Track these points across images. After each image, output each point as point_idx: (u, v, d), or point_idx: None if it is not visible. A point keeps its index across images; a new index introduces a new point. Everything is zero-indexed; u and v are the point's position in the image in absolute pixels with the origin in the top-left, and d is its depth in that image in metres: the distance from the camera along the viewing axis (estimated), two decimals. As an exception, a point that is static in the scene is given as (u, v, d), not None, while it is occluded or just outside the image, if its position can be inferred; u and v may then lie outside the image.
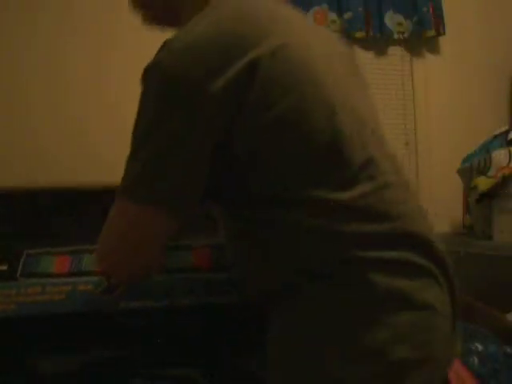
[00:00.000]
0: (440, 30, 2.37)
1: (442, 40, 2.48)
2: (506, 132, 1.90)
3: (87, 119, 2.02)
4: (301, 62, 0.66)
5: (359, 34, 2.27)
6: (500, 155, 1.79)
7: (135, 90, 2.27)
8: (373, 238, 0.65)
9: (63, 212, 1.09)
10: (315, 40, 0.72)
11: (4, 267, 0.85)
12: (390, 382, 0.63)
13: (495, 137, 1.93)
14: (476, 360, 1.15)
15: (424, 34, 2.37)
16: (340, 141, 0.66)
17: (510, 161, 1.76)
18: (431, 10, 2.35)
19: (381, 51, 2.45)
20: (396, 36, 2.35)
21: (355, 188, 0.66)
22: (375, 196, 0.67)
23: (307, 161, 0.65)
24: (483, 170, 1.82)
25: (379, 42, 2.41)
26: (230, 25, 0.64)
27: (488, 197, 1.83)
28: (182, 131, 0.62)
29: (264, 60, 0.62)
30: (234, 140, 0.64)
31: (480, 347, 1.19)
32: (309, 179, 0.65)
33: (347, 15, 2.26)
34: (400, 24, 2.35)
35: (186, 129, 0.62)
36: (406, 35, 2.36)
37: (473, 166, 1.89)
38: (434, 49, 2.50)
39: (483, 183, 1.81)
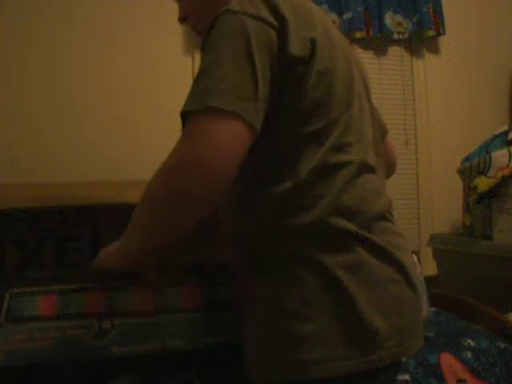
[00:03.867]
0: (440, 30, 2.37)
1: (442, 40, 2.48)
2: (506, 132, 1.90)
3: (88, 118, 2.02)
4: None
5: (359, 34, 2.26)
6: (500, 155, 1.79)
7: (134, 89, 2.27)
8: None
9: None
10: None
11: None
12: None
13: (495, 137, 1.93)
14: (469, 355, 1.16)
15: (424, 34, 2.36)
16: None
17: (509, 161, 1.76)
18: (431, 10, 2.34)
19: (381, 51, 2.45)
20: (396, 36, 2.35)
21: None
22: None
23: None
24: (483, 170, 1.82)
25: (379, 42, 2.41)
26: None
27: (488, 197, 1.83)
28: (254, 52, 0.68)
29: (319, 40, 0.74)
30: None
31: (472, 343, 1.19)
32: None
33: (347, 15, 2.26)
34: (400, 24, 2.35)
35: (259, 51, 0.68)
36: (405, 35, 2.36)
37: (473, 166, 1.89)
38: (434, 49, 2.50)
39: (483, 183, 1.81)
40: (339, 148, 0.74)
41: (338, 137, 0.74)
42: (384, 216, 0.78)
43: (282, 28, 0.70)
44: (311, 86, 0.72)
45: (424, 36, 2.38)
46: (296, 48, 0.70)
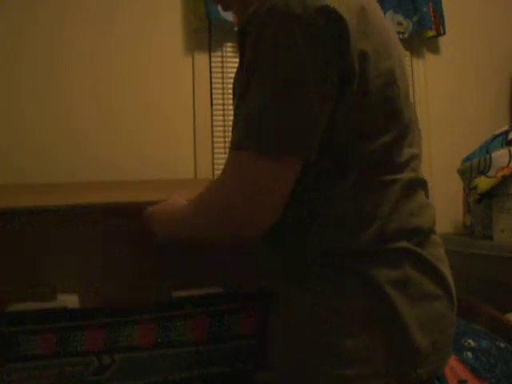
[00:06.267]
0: (440, 30, 2.37)
1: (442, 40, 2.48)
2: (506, 132, 1.90)
3: (86, 118, 2.02)
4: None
5: (359, 34, 2.26)
6: (500, 155, 1.79)
7: (134, 88, 2.27)
8: None
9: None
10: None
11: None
12: None
13: (495, 137, 1.93)
14: (470, 355, 1.16)
15: (424, 33, 2.36)
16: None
17: (510, 161, 1.75)
18: (431, 10, 2.34)
19: (381, 51, 2.44)
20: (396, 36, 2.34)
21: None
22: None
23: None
24: (483, 170, 1.82)
25: (379, 41, 2.40)
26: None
27: (488, 197, 1.83)
28: (305, 70, 0.61)
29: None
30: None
31: (472, 343, 1.19)
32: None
33: (347, 15, 2.26)
34: (400, 24, 2.35)
35: (309, 68, 0.61)
36: (406, 35, 2.35)
37: (473, 166, 1.88)
38: (434, 49, 2.50)
39: (483, 183, 1.81)
40: (396, 164, 0.72)
41: (397, 153, 0.71)
42: (432, 229, 0.78)
43: (339, 34, 0.62)
44: (365, 106, 0.67)
45: (424, 36, 2.38)
46: (354, 60, 0.63)
